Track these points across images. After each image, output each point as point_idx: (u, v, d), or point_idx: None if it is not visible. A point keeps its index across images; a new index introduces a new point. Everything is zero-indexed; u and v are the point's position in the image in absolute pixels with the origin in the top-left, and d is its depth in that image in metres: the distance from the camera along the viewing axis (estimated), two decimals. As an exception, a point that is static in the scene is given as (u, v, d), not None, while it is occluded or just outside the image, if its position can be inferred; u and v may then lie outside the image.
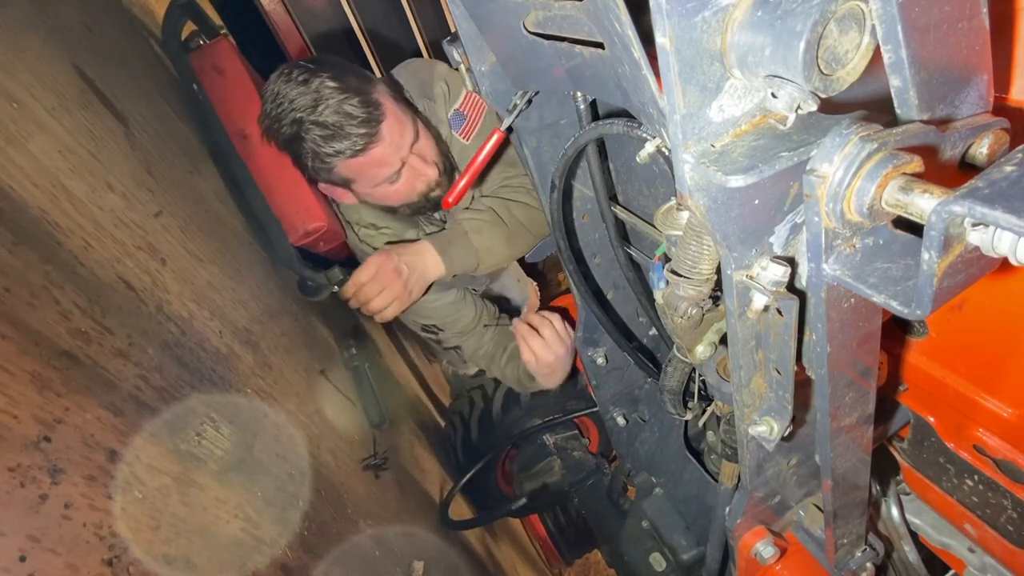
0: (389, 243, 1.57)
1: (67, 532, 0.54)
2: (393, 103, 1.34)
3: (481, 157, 1.15)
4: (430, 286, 1.55)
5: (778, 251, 0.47)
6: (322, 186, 1.49)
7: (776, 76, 0.38)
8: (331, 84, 1.26)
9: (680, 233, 0.57)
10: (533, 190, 1.12)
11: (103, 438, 0.63)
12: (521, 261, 1.84)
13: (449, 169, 1.53)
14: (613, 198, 0.96)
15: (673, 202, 0.61)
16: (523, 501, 1.78)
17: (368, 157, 1.31)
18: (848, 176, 0.36)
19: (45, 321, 0.64)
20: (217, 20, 1.93)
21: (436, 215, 1.65)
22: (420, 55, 2.61)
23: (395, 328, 2.38)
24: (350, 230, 1.60)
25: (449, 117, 1.58)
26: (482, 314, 1.74)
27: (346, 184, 1.40)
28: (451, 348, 1.76)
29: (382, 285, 1.45)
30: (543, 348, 1.52)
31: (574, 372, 1.94)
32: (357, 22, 2.51)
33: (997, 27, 0.41)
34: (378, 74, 2.24)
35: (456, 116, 1.59)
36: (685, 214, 0.59)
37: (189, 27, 1.75)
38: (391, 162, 1.34)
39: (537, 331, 1.54)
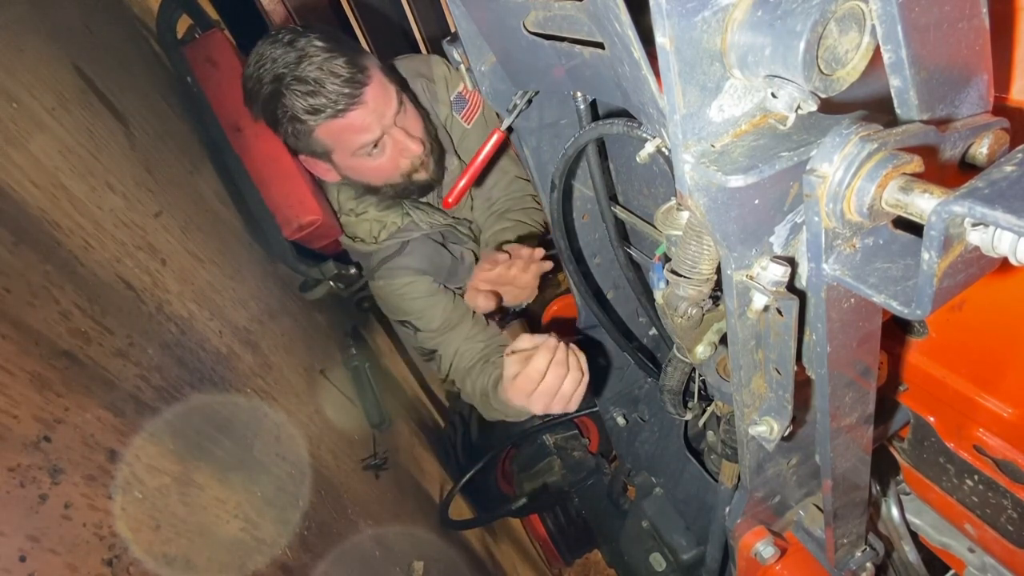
0: (369, 233, 1.52)
1: (67, 532, 0.54)
2: (380, 72, 1.30)
3: (481, 157, 1.15)
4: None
5: (778, 251, 0.47)
6: (304, 159, 1.43)
7: (776, 76, 0.38)
8: (318, 43, 1.22)
9: (680, 233, 0.57)
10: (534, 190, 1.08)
11: (103, 438, 0.63)
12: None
13: (439, 151, 1.48)
14: (613, 198, 0.96)
15: (673, 202, 0.61)
16: (523, 501, 1.78)
17: (348, 120, 1.25)
18: (848, 176, 0.36)
19: (45, 321, 0.64)
20: (214, 15, 1.93)
21: (422, 199, 1.58)
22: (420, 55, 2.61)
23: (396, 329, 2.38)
24: (334, 217, 1.56)
25: (452, 99, 1.56)
26: (461, 318, 1.54)
27: (326, 155, 1.35)
28: (429, 355, 1.59)
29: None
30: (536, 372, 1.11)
31: None
32: (357, 22, 2.51)
33: (997, 27, 0.41)
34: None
35: (458, 99, 1.57)
36: (685, 214, 0.59)
37: (188, 26, 1.75)
38: (372, 129, 1.28)
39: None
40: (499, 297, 1.50)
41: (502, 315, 1.81)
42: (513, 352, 1.11)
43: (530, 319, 1.76)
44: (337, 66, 1.21)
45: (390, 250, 1.51)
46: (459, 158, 1.59)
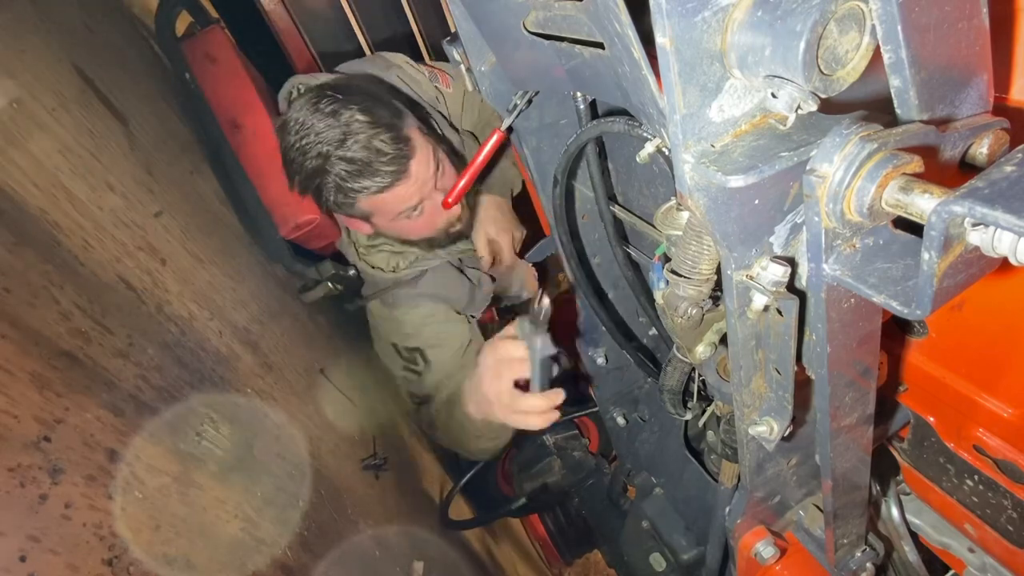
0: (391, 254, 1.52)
1: (67, 532, 0.54)
2: (422, 136, 1.31)
3: (481, 157, 1.15)
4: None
5: (778, 251, 0.47)
6: (339, 217, 1.45)
7: (776, 76, 0.38)
8: (361, 118, 1.21)
9: (680, 233, 0.57)
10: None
11: (103, 438, 0.63)
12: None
13: (473, 201, 1.53)
14: (612, 198, 0.96)
15: (673, 202, 0.61)
16: (523, 501, 1.78)
17: (392, 194, 1.27)
18: (848, 176, 0.36)
19: (45, 321, 0.64)
20: (213, 13, 1.93)
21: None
22: (420, 55, 2.61)
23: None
24: (351, 247, 1.55)
25: (427, 75, 1.58)
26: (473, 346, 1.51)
27: (365, 218, 1.37)
28: (422, 399, 1.49)
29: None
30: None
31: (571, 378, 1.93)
32: (357, 22, 2.51)
33: (997, 27, 0.41)
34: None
35: (431, 74, 1.59)
36: (685, 214, 0.59)
37: (188, 23, 1.75)
38: (413, 198, 1.31)
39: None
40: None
41: (498, 309, 1.81)
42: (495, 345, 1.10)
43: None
44: (382, 143, 1.21)
45: (409, 276, 1.50)
46: (457, 131, 1.60)
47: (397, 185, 1.25)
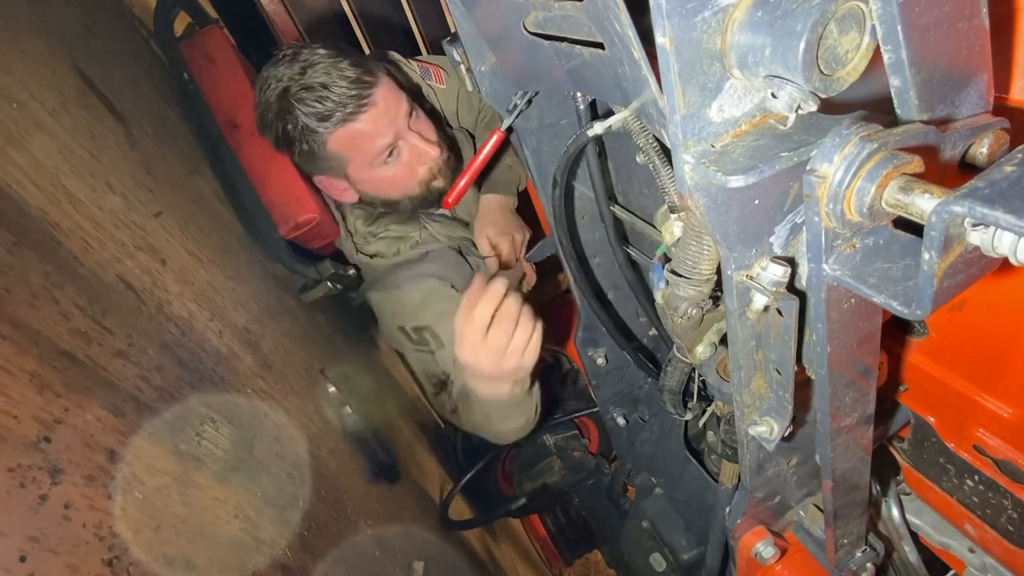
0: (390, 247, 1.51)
1: (67, 532, 0.54)
2: (387, 75, 1.29)
3: (481, 157, 1.15)
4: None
5: (778, 251, 0.47)
6: (320, 180, 1.43)
7: (776, 76, 0.38)
8: (321, 51, 1.20)
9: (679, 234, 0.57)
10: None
11: (103, 438, 0.63)
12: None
13: (454, 158, 1.47)
14: (612, 198, 0.96)
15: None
16: (523, 501, 1.78)
17: (360, 123, 1.23)
18: (848, 176, 0.36)
19: (45, 321, 0.64)
20: (212, 14, 1.92)
21: (438, 212, 1.58)
22: (420, 55, 2.61)
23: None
24: (348, 241, 1.54)
25: (419, 71, 1.57)
26: None
27: (342, 168, 1.32)
28: (442, 384, 1.44)
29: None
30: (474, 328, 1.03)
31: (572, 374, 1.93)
32: (357, 22, 2.51)
33: (997, 27, 0.41)
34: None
35: (423, 70, 1.58)
36: (679, 224, 0.59)
37: (187, 23, 1.75)
38: (385, 132, 1.26)
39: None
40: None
41: None
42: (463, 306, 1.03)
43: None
44: (343, 68, 1.19)
45: (411, 258, 1.49)
46: (452, 128, 1.59)
47: (363, 111, 1.22)
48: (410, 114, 1.32)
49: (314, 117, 1.21)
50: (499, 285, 1.01)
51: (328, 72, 1.19)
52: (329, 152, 1.28)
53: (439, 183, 1.41)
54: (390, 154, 1.31)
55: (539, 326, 1.06)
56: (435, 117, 1.48)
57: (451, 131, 1.58)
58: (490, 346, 1.02)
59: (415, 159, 1.35)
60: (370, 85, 1.22)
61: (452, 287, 1.48)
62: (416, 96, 1.48)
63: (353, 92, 1.20)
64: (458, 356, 1.08)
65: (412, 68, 1.58)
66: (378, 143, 1.27)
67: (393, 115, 1.27)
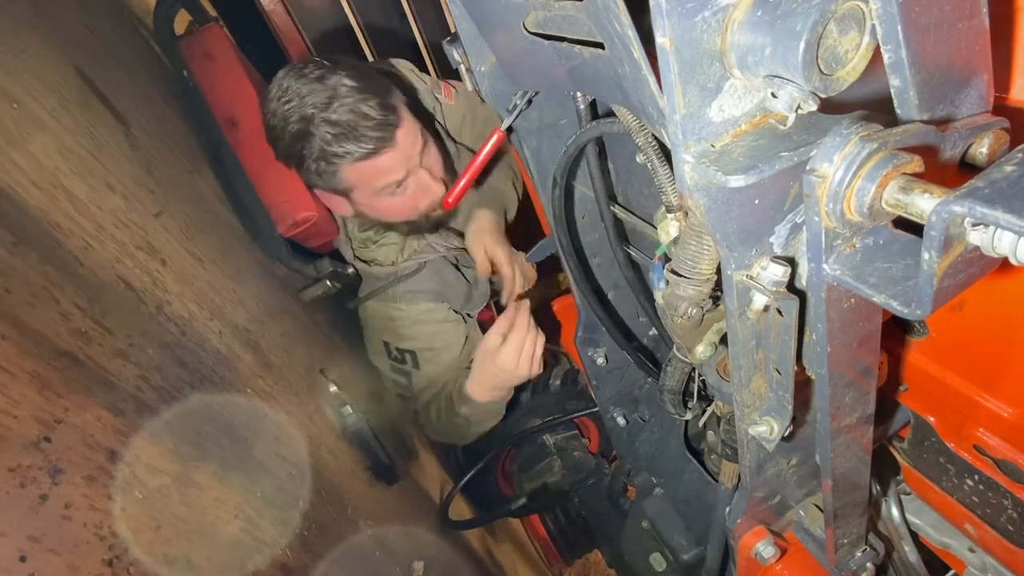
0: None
1: (67, 532, 0.54)
2: (408, 111, 1.29)
3: (481, 157, 1.15)
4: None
5: (778, 251, 0.47)
6: (319, 193, 1.43)
7: (776, 76, 0.38)
8: (348, 83, 1.18)
9: (679, 233, 0.57)
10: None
11: (103, 438, 0.63)
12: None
13: (449, 160, 1.50)
14: (612, 198, 0.96)
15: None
16: (523, 501, 1.78)
17: (376, 162, 1.24)
18: (848, 176, 0.36)
19: (45, 321, 0.64)
20: (212, 12, 1.92)
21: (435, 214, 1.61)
22: (420, 55, 2.61)
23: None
24: (347, 245, 1.55)
25: (429, 84, 1.57)
26: (465, 358, 1.56)
27: (346, 192, 1.34)
28: (406, 398, 1.58)
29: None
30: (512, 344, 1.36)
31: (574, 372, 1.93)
32: (357, 22, 2.51)
33: (997, 27, 0.41)
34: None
35: (434, 83, 1.59)
36: (676, 223, 0.59)
37: (187, 22, 1.75)
38: (398, 171, 1.28)
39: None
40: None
41: (497, 307, 1.81)
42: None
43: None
44: (369, 108, 1.19)
45: (408, 270, 1.49)
46: (454, 141, 1.59)
47: (382, 153, 1.22)
48: (423, 149, 1.32)
49: (332, 152, 1.21)
50: (523, 316, 1.37)
51: (354, 111, 1.18)
52: (339, 179, 1.29)
53: (437, 212, 1.43)
54: (397, 186, 1.31)
55: (542, 339, 1.39)
56: (439, 138, 1.49)
57: (451, 144, 1.58)
58: (509, 357, 1.34)
59: (419, 193, 1.36)
60: (393, 127, 1.23)
61: (446, 304, 1.52)
62: (428, 119, 1.48)
63: (376, 134, 1.21)
64: (482, 365, 1.39)
65: (424, 80, 1.58)
66: (389, 178, 1.29)
67: (408, 154, 1.28)
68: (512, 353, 1.33)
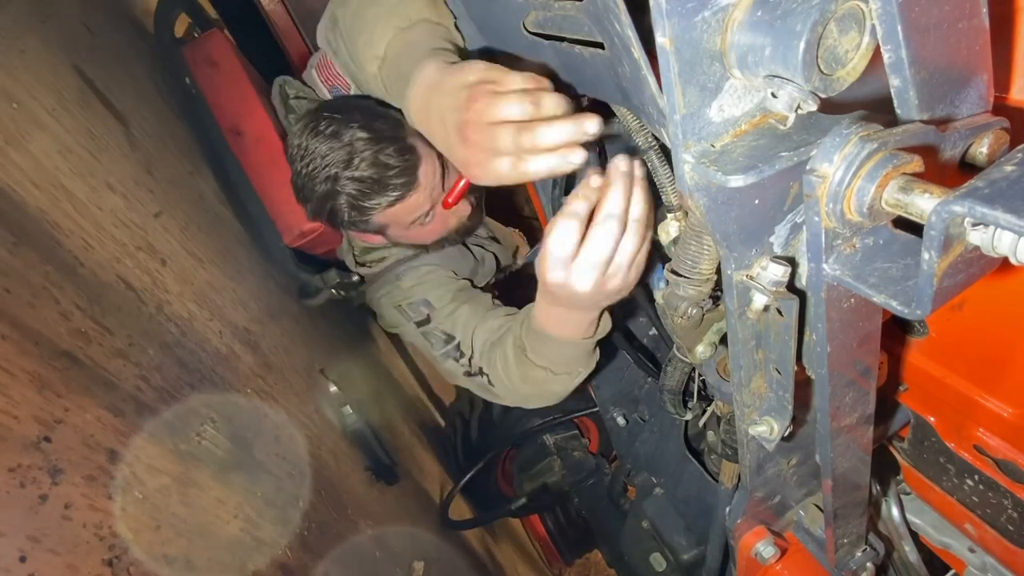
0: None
1: (67, 532, 0.54)
2: (423, 142, 1.29)
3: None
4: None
5: (778, 251, 0.47)
6: (352, 232, 1.45)
7: (776, 76, 0.38)
8: (363, 135, 1.21)
9: (679, 233, 0.57)
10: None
11: (103, 438, 0.63)
12: (495, 218, 1.76)
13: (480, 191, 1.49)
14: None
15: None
16: (523, 501, 1.78)
17: (405, 204, 1.27)
18: (848, 176, 0.36)
19: (45, 321, 0.64)
20: (212, 14, 1.92)
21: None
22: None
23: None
24: (349, 254, 1.55)
25: None
26: (474, 296, 1.43)
27: (380, 231, 1.37)
28: (445, 340, 1.38)
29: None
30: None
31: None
32: (357, 22, 2.50)
33: (997, 27, 0.41)
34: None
35: None
36: (675, 222, 0.59)
37: (187, 25, 1.75)
38: (425, 204, 1.31)
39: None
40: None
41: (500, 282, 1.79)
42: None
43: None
44: (388, 157, 1.21)
45: (410, 251, 1.50)
46: None
47: (409, 196, 1.26)
48: (443, 175, 1.34)
49: (362, 206, 1.25)
50: (597, 178, 0.73)
51: (375, 163, 1.21)
52: (371, 224, 1.32)
53: (463, 223, 1.44)
54: (426, 216, 1.34)
55: (650, 234, 0.78)
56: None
57: None
58: (590, 258, 0.76)
59: (448, 216, 1.38)
60: (414, 169, 1.24)
61: (452, 272, 1.50)
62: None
63: (400, 180, 1.23)
64: (544, 277, 0.83)
65: None
66: (417, 213, 1.32)
67: (432, 186, 1.30)
68: (591, 263, 0.77)
